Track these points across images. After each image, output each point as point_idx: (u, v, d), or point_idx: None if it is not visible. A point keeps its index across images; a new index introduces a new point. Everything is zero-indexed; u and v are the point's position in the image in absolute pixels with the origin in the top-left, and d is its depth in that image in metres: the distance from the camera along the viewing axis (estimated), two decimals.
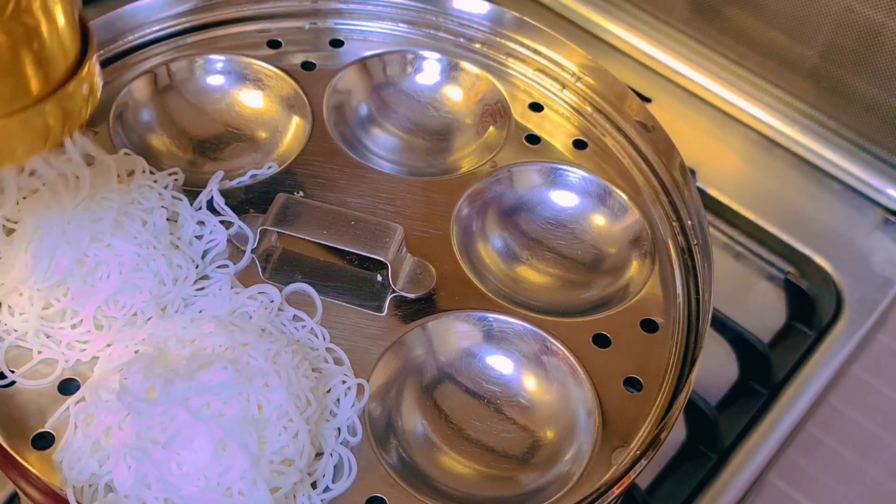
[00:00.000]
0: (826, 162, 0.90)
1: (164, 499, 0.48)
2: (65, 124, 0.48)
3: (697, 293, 0.63)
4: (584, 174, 0.68)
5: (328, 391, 0.55)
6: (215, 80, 0.71)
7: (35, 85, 0.46)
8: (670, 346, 0.60)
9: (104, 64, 0.69)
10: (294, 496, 0.51)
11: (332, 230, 0.60)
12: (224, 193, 0.63)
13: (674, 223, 0.67)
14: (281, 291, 0.59)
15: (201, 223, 0.61)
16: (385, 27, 0.76)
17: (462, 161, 0.70)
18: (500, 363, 0.59)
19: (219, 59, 0.72)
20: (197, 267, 0.59)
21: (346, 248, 0.59)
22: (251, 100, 0.71)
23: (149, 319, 0.56)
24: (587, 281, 0.65)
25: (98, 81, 0.50)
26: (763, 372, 0.77)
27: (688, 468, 0.73)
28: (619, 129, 0.71)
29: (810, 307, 0.82)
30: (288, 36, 0.75)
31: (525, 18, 0.74)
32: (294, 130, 0.70)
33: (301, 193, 0.65)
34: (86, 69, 0.48)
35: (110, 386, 0.51)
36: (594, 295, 0.64)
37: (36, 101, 0.46)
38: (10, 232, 0.57)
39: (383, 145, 0.71)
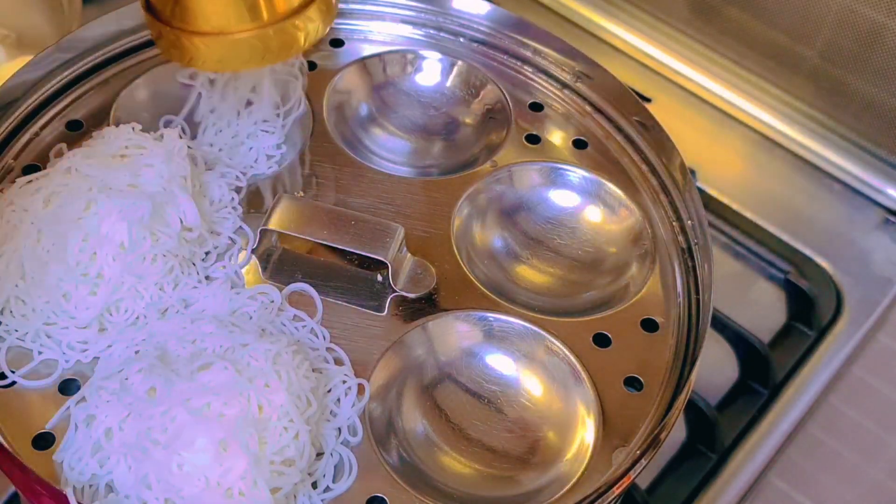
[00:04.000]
0: (826, 162, 0.90)
1: (164, 499, 0.48)
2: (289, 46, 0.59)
3: (697, 293, 0.63)
4: (585, 174, 0.68)
5: (328, 391, 0.55)
6: None
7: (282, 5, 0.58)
8: (670, 346, 0.60)
9: (104, 63, 0.69)
10: (294, 496, 0.51)
11: (332, 230, 0.60)
12: None
13: (674, 223, 0.67)
14: (281, 291, 0.59)
15: None
16: (385, 27, 0.76)
17: (462, 161, 0.70)
18: (501, 363, 0.59)
19: None
20: (198, 273, 0.59)
21: (347, 248, 0.59)
22: None
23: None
24: (587, 281, 0.65)
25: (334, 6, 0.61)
26: (763, 372, 0.77)
27: (688, 468, 0.73)
28: (619, 129, 0.71)
29: (810, 307, 0.82)
30: None
31: (525, 18, 0.74)
32: None
33: (301, 193, 0.65)
34: None
35: (111, 386, 0.51)
36: (594, 295, 0.64)
37: (280, 20, 0.58)
38: None
39: (383, 145, 0.71)
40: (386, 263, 0.59)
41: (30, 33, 0.89)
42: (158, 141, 0.60)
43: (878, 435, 0.96)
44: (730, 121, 0.93)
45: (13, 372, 0.54)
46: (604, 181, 0.68)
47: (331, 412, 0.54)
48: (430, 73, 0.74)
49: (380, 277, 0.61)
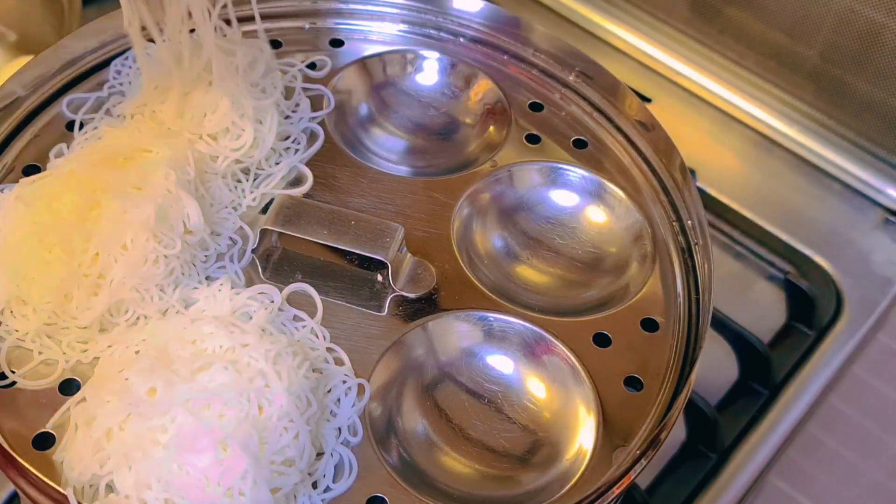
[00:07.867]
0: (826, 162, 0.90)
1: (164, 499, 0.48)
2: None
3: (697, 293, 0.63)
4: (584, 173, 0.68)
5: (329, 391, 0.55)
6: None
7: None
8: (670, 346, 0.60)
9: (104, 63, 0.69)
10: (294, 496, 0.51)
11: (332, 230, 0.60)
12: None
13: (674, 223, 0.67)
14: (281, 291, 0.59)
15: None
16: (385, 27, 0.76)
17: (462, 161, 0.70)
18: (501, 363, 0.59)
19: None
20: (199, 274, 0.59)
21: (347, 248, 0.59)
22: None
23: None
24: (587, 280, 0.65)
25: None
26: (763, 372, 0.77)
27: (688, 468, 0.73)
28: (619, 129, 0.71)
29: (810, 307, 0.82)
30: (288, 36, 0.75)
31: (525, 18, 0.74)
32: None
33: None
34: None
35: (111, 386, 0.51)
36: (594, 294, 0.64)
37: None
38: None
39: (383, 145, 0.71)
40: (386, 263, 0.59)
41: (30, 33, 0.89)
42: (163, 143, 0.60)
43: (878, 435, 0.96)
44: (730, 121, 0.93)
45: (13, 372, 0.54)
46: (604, 181, 0.68)
47: (331, 412, 0.54)
48: (430, 72, 0.74)
49: (380, 277, 0.61)
